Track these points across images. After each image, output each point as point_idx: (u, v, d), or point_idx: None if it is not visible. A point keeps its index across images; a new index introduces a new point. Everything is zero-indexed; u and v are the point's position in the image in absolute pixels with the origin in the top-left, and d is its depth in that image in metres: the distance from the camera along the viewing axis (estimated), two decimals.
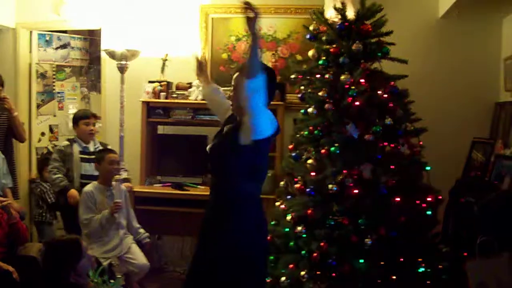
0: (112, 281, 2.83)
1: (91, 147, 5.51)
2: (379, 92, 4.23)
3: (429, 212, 4.23)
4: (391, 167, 4.14)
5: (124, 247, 4.99)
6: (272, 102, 5.36)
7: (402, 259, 4.03)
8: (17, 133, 5.47)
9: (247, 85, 3.00)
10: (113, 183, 5.03)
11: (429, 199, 4.24)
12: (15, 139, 5.54)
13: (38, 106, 6.79)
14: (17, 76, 6.51)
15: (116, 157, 5.15)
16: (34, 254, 4.87)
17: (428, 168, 4.37)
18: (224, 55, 6.07)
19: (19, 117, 5.49)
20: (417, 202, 4.20)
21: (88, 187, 5.12)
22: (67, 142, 5.49)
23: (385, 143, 4.16)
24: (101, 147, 5.55)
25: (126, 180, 5.65)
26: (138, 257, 5.05)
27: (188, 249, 6.27)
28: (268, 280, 4.29)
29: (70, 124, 6.88)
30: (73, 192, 5.30)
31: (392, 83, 4.33)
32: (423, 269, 4.07)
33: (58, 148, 5.49)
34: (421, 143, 4.41)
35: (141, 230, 5.30)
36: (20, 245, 4.73)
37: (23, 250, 5.01)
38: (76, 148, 5.43)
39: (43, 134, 6.87)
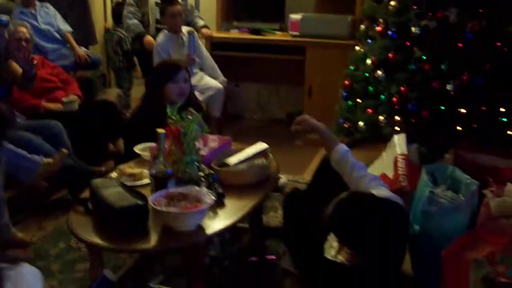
0: (190, 117, 2.84)
1: None
2: None
3: None
4: (479, 10, 3.92)
5: (196, 78, 5.07)
6: None
7: (484, 108, 3.91)
8: None
9: None
10: (184, 31, 5.00)
11: None
12: None
13: None
14: None
15: (177, 10, 5.07)
16: (113, 99, 5.02)
17: None
18: None
19: None
20: (505, 49, 4.00)
21: (160, 38, 5.12)
22: None
23: None
24: None
25: (204, 26, 5.61)
26: (210, 81, 5.18)
27: (264, 97, 6.30)
28: (346, 125, 4.29)
29: None
30: (148, 38, 5.32)
31: None
32: (505, 119, 3.94)
33: None
34: None
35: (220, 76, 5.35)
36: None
37: (102, 95, 5.16)
38: None
39: None
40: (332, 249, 2.59)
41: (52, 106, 4.47)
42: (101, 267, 2.72)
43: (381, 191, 2.56)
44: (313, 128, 2.89)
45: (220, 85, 5.18)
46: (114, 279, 1.93)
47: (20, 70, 4.31)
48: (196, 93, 4.95)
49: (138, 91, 5.52)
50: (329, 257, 2.57)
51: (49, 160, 3.76)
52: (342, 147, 2.79)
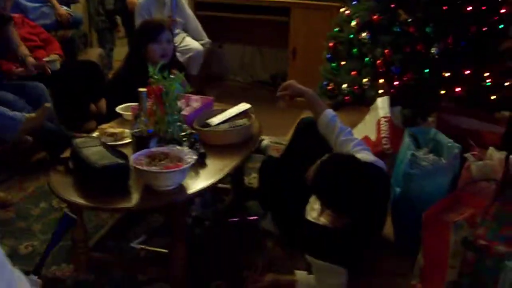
0: (172, 76, 2.81)
1: None
2: None
3: (501, 26, 4.02)
4: None
5: (177, 39, 5.02)
6: None
7: (468, 71, 3.90)
8: None
9: None
10: None
11: (503, 10, 4.01)
12: None
13: None
14: None
15: None
16: (95, 59, 4.97)
17: None
18: None
19: None
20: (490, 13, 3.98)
21: None
22: None
23: None
24: None
25: None
26: (191, 42, 5.14)
27: (248, 58, 6.25)
28: (330, 87, 4.27)
29: None
30: None
31: None
32: (489, 83, 3.94)
33: None
34: None
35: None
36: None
37: (84, 55, 5.11)
38: None
39: None
40: (313, 211, 2.59)
41: (25, 70, 4.38)
42: (82, 227, 2.72)
43: (366, 156, 2.57)
44: (300, 93, 2.89)
45: (200, 46, 5.13)
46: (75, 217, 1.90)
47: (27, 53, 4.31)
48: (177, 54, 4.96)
49: (121, 51, 5.46)
50: (310, 219, 2.58)
51: (32, 114, 3.74)
52: (330, 112, 2.80)
